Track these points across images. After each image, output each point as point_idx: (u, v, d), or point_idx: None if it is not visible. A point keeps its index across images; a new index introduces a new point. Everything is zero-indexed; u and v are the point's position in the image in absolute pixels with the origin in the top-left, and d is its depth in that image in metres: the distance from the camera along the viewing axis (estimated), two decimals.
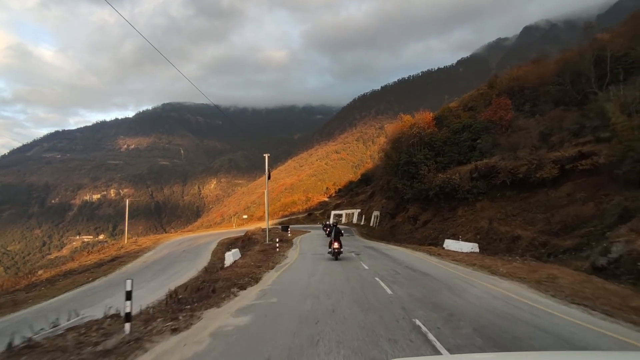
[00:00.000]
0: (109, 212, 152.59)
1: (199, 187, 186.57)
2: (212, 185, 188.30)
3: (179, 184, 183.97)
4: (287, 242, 25.65)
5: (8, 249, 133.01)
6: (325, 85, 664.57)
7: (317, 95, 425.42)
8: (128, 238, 48.18)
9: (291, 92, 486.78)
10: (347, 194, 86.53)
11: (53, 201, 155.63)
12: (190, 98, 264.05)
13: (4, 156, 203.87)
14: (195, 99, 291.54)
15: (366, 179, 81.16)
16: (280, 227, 43.07)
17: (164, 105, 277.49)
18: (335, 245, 16.50)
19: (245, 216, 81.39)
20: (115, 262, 27.68)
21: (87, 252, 41.27)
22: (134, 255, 30.61)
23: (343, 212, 67.34)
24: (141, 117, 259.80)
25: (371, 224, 49.65)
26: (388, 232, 39.86)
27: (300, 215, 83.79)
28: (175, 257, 27.93)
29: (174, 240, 42.29)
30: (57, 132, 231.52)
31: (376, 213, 49.87)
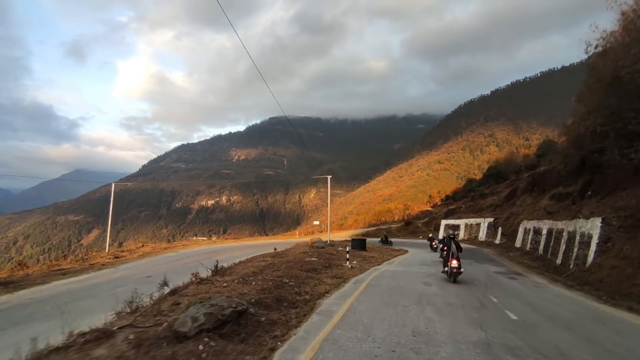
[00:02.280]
0: (220, 217, 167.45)
1: (299, 196, 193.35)
2: (312, 195, 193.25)
3: (282, 193, 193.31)
4: (302, 307, 7.78)
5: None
6: (427, 94, 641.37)
7: (418, 104, 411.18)
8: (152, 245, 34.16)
9: (391, 101, 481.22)
10: (465, 197, 64.52)
11: (177, 205, 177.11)
12: (293, 112, 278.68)
13: (144, 166, 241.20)
14: (298, 112, 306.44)
15: (496, 174, 61.86)
16: (351, 240, 27.53)
17: (270, 119, 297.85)
18: (454, 263, 13.00)
19: (317, 222, 64.92)
20: None
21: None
22: (40, 279, 15.63)
23: (461, 222, 47.15)
24: (250, 131, 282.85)
25: (518, 244, 28.61)
26: None
27: (394, 225, 66.75)
28: (104, 291, 13.17)
29: (195, 250, 29.42)
30: (182, 145, 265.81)
31: (534, 225, 26.08)
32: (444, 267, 14.34)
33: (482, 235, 40.13)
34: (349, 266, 15.53)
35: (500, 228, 36.00)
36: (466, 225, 45.48)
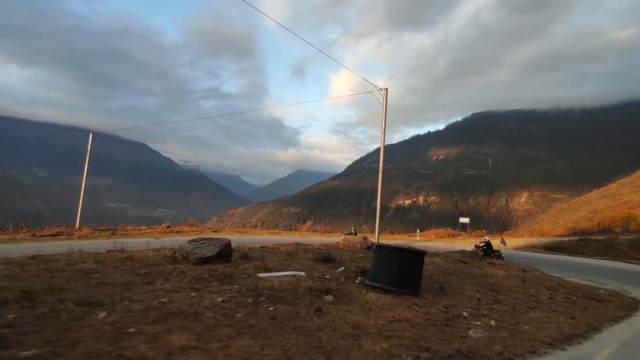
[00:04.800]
0: (417, 217, 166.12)
1: (506, 200, 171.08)
2: (523, 199, 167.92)
3: (485, 195, 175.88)
4: None
5: None
6: None
7: None
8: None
9: None
10: None
11: (376, 203, 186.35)
12: (501, 105, 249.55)
13: (348, 166, 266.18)
14: (507, 106, 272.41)
15: None
16: (374, 254, 9.13)
17: (473, 115, 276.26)
18: None
19: (464, 220, 46.45)
20: None
21: None
22: None
23: None
24: (450, 129, 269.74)
25: None
26: None
27: (624, 237, 37.22)
28: None
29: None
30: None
31: None
32: None
33: None
34: None
35: None
36: None
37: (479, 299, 8.40)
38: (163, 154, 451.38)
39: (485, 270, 12.45)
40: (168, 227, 23.55)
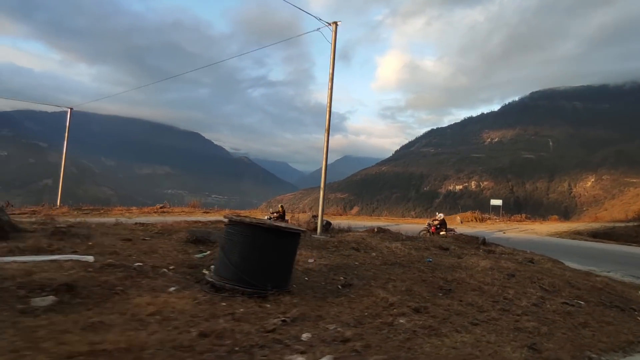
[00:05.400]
0: (469, 203, 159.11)
1: (569, 185, 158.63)
2: (589, 183, 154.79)
3: (544, 180, 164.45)
4: None
5: None
6: None
7: None
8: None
9: None
10: None
11: (425, 189, 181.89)
12: (565, 82, 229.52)
13: (396, 151, 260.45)
14: (573, 82, 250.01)
15: None
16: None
17: (531, 94, 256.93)
18: None
19: (496, 202, 43.37)
20: None
21: None
22: None
23: None
24: (506, 110, 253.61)
25: None
26: None
27: None
28: None
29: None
30: (432, 130, 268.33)
31: None
32: None
33: None
34: None
35: None
36: None
37: (391, 304, 5.15)
38: (215, 142, 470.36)
39: (465, 260, 9.33)
40: (161, 207, 23.96)
